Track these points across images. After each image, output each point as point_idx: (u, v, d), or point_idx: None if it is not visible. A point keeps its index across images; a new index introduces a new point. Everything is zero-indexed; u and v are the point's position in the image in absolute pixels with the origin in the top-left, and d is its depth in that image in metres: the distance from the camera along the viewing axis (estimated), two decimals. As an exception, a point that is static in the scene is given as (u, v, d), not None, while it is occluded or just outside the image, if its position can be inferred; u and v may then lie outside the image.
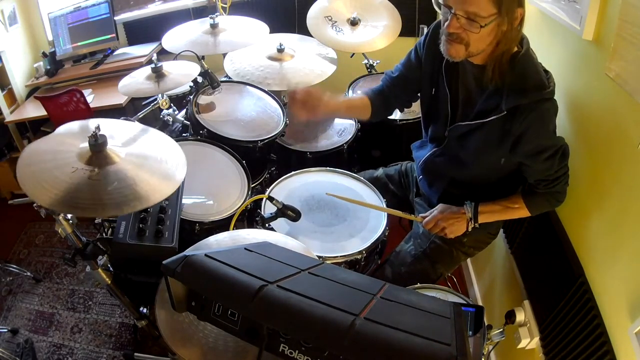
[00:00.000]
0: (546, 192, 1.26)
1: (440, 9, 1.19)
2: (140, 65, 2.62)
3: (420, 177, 1.53)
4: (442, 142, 1.39)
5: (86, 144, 1.13)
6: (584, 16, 1.13)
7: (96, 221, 1.54)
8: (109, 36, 2.93)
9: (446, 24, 1.11)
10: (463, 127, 1.28)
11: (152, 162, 1.20)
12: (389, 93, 1.49)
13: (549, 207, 1.32)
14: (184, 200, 1.40)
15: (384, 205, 1.53)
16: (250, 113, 1.88)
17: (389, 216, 1.51)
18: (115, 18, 2.92)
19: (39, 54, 2.90)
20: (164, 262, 0.82)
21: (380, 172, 1.75)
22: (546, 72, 1.18)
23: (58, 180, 1.05)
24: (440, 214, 1.38)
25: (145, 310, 1.50)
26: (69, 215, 1.19)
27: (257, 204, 1.54)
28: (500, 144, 1.21)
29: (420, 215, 1.45)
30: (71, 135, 1.21)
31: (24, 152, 1.14)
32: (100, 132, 1.13)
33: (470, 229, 1.37)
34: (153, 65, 1.70)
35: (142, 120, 1.68)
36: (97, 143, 1.12)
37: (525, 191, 1.32)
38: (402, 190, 1.70)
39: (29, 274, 2.47)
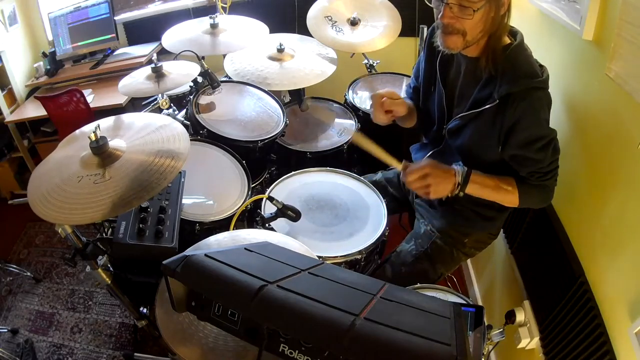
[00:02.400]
0: (539, 184, 1.25)
1: (431, 3, 1.21)
2: (140, 65, 2.62)
3: None
4: (441, 143, 1.40)
5: (85, 154, 1.15)
6: (584, 16, 1.14)
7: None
8: (109, 36, 2.93)
9: (440, 15, 1.14)
10: (458, 119, 1.29)
11: (151, 140, 1.21)
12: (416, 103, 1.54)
13: (538, 202, 1.30)
14: (184, 200, 1.40)
15: (384, 204, 1.55)
16: (250, 113, 1.88)
17: (389, 216, 1.52)
18: (115, 18, 2.93)
19: (39, 54, 2.90)
20: (164, 262, 0.82)
21: (379, 175, 1.76)
22: (541, 66, 1.19)
23: (82, 199, 1.07)
24: (430, 169, 1.25)
25: (145, 310, 1.50)
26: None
27: (257, 204, 1.54)
28: (493, 136, 1.21)
29: (404, 162, 1.33)
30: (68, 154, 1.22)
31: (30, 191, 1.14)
32: (101, 134, 1.14)
33: (453, 195, 1.28)
34: (153, 65, 1.70)
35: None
36: (99, 145, 1.13)
37: (519, 179, 1.28)
38: (401, 192, 1.71)
39: (29, 274, 2.47)
